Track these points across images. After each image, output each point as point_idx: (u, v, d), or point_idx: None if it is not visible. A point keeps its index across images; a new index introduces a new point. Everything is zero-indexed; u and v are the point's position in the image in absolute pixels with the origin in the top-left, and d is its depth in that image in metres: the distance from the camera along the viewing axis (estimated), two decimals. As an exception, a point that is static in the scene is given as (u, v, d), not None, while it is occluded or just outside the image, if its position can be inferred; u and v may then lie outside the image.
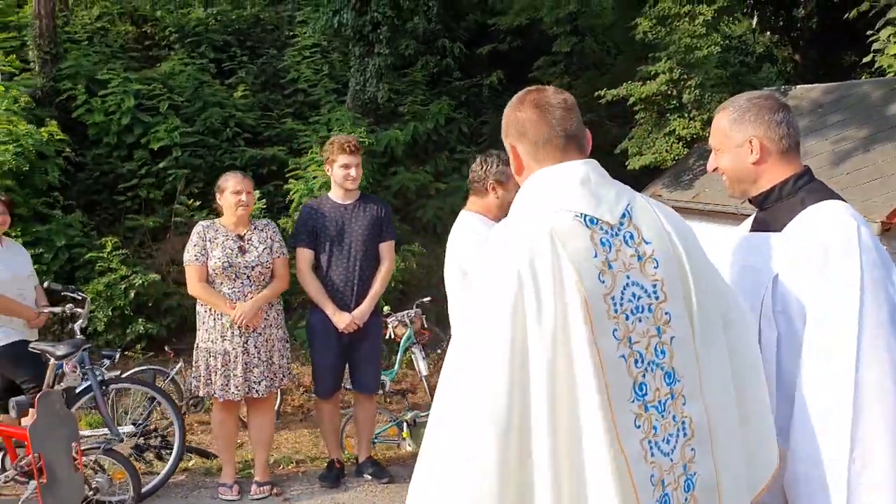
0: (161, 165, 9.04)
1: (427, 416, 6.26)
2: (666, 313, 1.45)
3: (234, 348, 3.70)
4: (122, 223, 8.66)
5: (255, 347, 3.75)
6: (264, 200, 8.51)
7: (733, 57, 11.27)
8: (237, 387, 3.70)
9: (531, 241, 1.41)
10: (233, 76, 11.22)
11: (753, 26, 13.27)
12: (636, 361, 1.41)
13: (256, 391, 3.74)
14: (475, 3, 13.88)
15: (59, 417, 3.30)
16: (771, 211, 1.85)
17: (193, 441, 5.39)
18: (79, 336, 4.10)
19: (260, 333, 3.76)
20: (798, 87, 10.54)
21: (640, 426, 1.39)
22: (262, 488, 3.93)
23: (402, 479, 4.03)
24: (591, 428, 1.33)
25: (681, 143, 9.65)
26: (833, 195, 1.81)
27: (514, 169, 1.69)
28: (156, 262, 8.26)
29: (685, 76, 9.40)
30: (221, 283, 3.71)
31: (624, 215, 1.49)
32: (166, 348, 6.44)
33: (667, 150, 9.51)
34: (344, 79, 11.50)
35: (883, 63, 5.78)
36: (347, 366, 4.08)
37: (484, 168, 3.09)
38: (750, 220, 1.97)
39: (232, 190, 3.75)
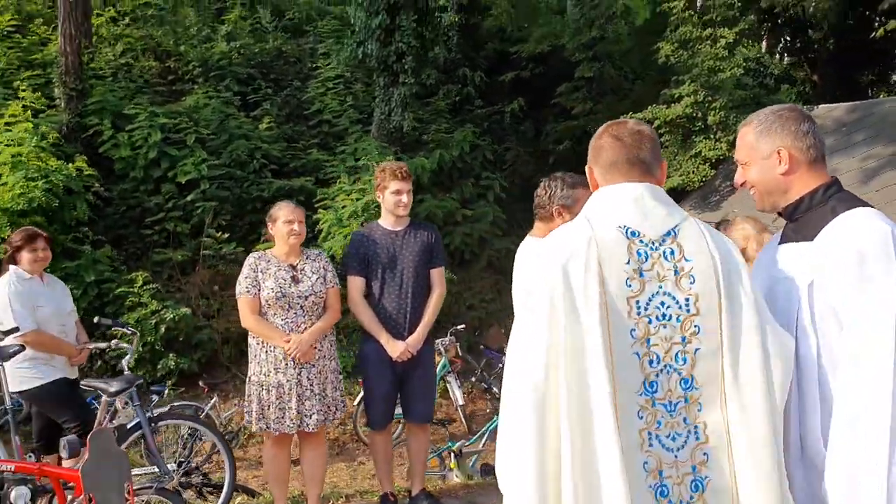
0: (188, 198, 9.10)
1: (471, 445, 6.20)
2: (695, 326, 1.61)
3: (287, 381, 3.65)
4: (150, 257, 8.68)
5: (309, 380, 3.69)
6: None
7: (752, 79, 11.26)
8: (292, 420, 3.64)
9: (573, 243, 1.65)
10: (257, 108, 11.35)
11: (766, 49, 13.30)
12: (650, 361, 1.60)
13: (308, 425, 3.68)
14: (494, 32, 14.03)
15: (112, 457, 3.23)
16: (801, 221, 1.83)
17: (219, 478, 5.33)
18: (127, 372, 4.06)
19: (314, 365, 3.70)
20: (820, 106, 10.54)
21: (642, 417, 1.59)
22: (318, 523, 3.85)
23: (455, 512, 3.96)
24: (597, 407, 1.54)
25: (707, 165, 9.64)
26: (863, 203, 1.78)
27: (591, 188, 1.88)
28: (185, 295, 8.27)
29: (709, 98, 9.41)
30: (275, 315, 3.68)
31: (669, 233, 1.66)
32: (200, 383, 6.41)
33: (693, 172, 9.49)
34: (368, 108, 11.60)
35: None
36: (400, 396, 4.02)
37: (548, 193, 3.07)
38: (778, 235, 1.95)
39: (285, 219, 3.73)
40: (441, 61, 12.32)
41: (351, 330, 7.77)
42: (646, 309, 1.61)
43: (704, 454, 1.60)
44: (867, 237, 1.66)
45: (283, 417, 3.62)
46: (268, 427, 3.66)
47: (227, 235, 8.88)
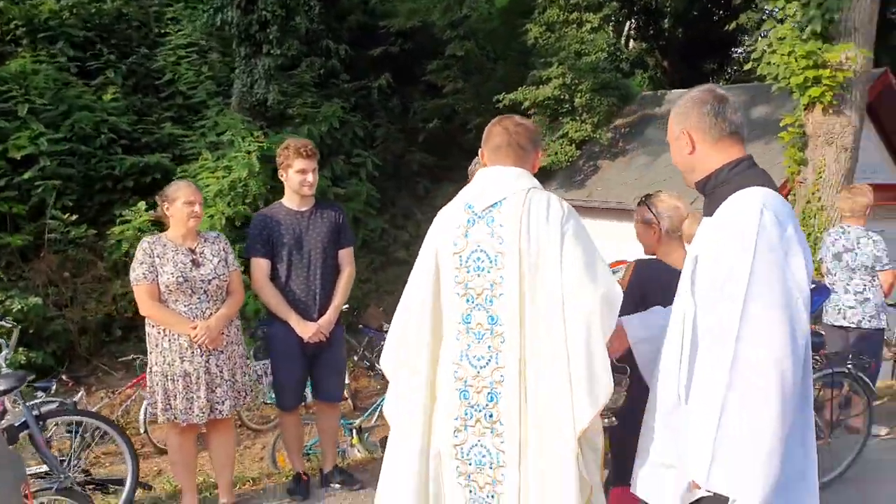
0: (25, 176, 8.30)
1: (366, 420, 6.35)
2: (500, 276, 2.13)
3: (195, 369, 3.56)
4: (-20, 243, 7.86)
5: (218, 366, 3.62)
6: (151, 213, 8.08)
7: (609, 63, 12.18)
8: (201, 409, 3.57)
9: (439, 214, 2.32)
10: (99, 76, 10.50)
11: (626, 33, 14.41)
12: (468, 300, 2.19)
13: (220, 411, 3.64)
14: (356, 4, 13.94)
15: (4, 459, 3.04)
16: (710, 197, 1.96)
17: (101, 473, 5.11)
18: (5, 369, 3.75)
19: (222, 351, 3.64)
20: (673, 91, 11.65)
21: (459, 339, 2.20)
22: (231, 510, 3.82)
23: (372, 485, 4.09)
24: (440, 326, 2.25)
25: (573, 145, 10.32)
26: (763, 182, 1.88)
27: (482, 166, 2.37)
28: (30, 283, 7.59)
29: (576, 81, 10.06)
30: (176, 301, 3.56)
31: (494, 205, 2.18)
32: (63, 377, 5.97)
33: (560, 152, 10.13)
34: (227, 80, 11.13)
35: (763, 71, 6.62)
36: (310, 376, 4.07)
37: (470, 169, 3.36)
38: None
39: (185, 200, 3.61)
40: (303, 32, 12.09)
41: (252, 312, 7.58)
42: (466, 261, 2.19)
43: (501, 376, 2.13)
44: (737, 217, 1.79)
45: (191, 407, 3.54)
46: (175, 417, 3.57)
47: (74, 217, 8.22)
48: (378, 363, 8.57)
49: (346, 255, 4.04)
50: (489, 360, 2.16)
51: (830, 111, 6.39)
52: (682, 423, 1.89)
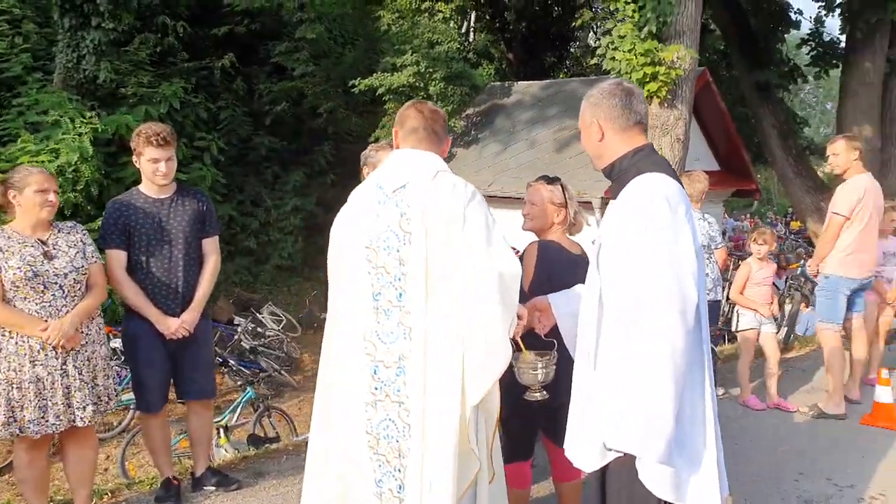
0: None
1: (226, 418, 6.06)
2: (408, 255, 2.20)
3: (49, 373, 3.19)
4: None
5: (77, 368, 3.27)
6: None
7: (457, 54, 12.47)
8: (57, 416, 3.21)
9: (352, 194, 2.40)
10: None
11: (469, 25, 14.81)
12: (378, 278, 2.25)
13: (81, 418, 3.30)
14: (193, -23, 13.11)
15: None
16: (615, 182, 2.12)
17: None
18: None
19: (80, 352, 3.31)
20: (519, 83, 12.17)
21: (369, 317, 2.26)
22: (91, 528, 3.49)
23: (249, 484, 3.93)
24: (351, 304, 2.32)
25: (428, 133, 10.47)
26: (661, 168, 2.03)
27: (395, 147, 2.43)
28: None
29: (430, 69, 10.20)
30: (25, 299, 3.17)
31: (403, 186, 2.26)
32: None
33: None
34: (47, 54, 10.02)
35: (608, 66, 7.12)
36: (173, 375, 3.81)
37: (363, 154, 3.34)
38: None
39: (37, 188, 3.21)
40: (135, 6, 11.16)
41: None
42: (377, 241, 2.26)
43: (409, 350, 2.19)
44: (632, 201, 1.96)
45: (45, 416, 3.17)
46: (21, 431, 3.19)
47: None
48: (230, 359, 8.25)
49: (210, 245, 3.81)
50: (398, 337, 2.23)
51: (665, 105, 7.03)
52: (593, 386, 2.05)
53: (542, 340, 2.50)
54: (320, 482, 2.38)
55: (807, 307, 8.68)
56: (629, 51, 6.76)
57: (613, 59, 6.97)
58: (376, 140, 10.84)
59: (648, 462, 1.88)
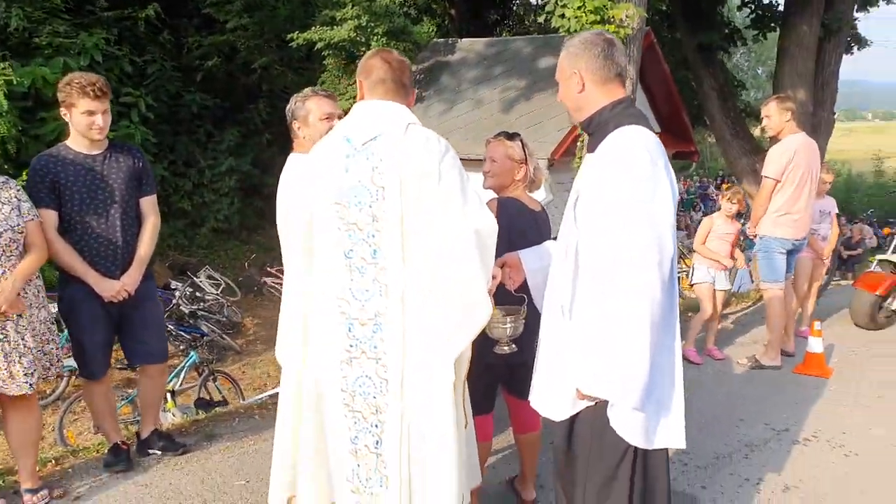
0: None
1: (171, 383, 5.98)
2: (382, 209, 2.16)
3: (-11, 339, 3.10)
4: None
5: (19, 333, 3.16)
6: None
7: (398, 8, 12.27)
8: (2, 381, 3.14)
9: (315, 147, 2.31)
10: None
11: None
12: (350, 235, 2.21)
13: (28, 384, 3.22)
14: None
15: None
16: (593, 135, 2.14)
17: None
18: None
19: (21, 316, 3.21)
20: (463, 40, 12.09)
21: (342, 274, 2.23)
22: (37, 496, 3.41)
23: (197, 448, 3.93)
24: (320, 262, 2.26)
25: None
26: (640, 121, 2.06)
27: (359, 98, 2.33)
28: None
29: (371, 24, 10.01)
30: (-44, 260, 3.06)
31: (374, 139, 2.19)
32: None
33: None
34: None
35: (556, 24, 7.16)
36: (119, 339, 3.73)
37: (290, 111, 3.09)
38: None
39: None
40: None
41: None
42: (347, 197, 2.19)
43: (385, 306, 2.18)
44: (615, 152, 1.99)
45: (-13, 383, 3.09)
46: (-40, 399, 3.09)
47: None
48: (170, 324, 8.09)
49: (149, 204, 3.70)
50: (374, 294, 2.21)
51: (613, 65, 7.12)
52: (566, 339, 2.12)
53: (511, 296, 2.57)
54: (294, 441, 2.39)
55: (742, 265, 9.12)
56: (579, 8, 6.82)
57: (563, 16, 7.02)
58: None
59: (625, 408, 1.98)
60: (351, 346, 2.24)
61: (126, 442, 3.85)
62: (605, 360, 1.95)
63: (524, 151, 3.00)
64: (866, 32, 11.80)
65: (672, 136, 11.50)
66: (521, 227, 2.82)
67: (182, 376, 6.14)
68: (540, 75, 10.20)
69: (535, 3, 16.91)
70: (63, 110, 3.46)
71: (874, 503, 3.19)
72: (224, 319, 9.24)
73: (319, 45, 10.15)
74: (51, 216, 3.40)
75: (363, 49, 10.15)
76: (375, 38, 10.05)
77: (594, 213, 2.02)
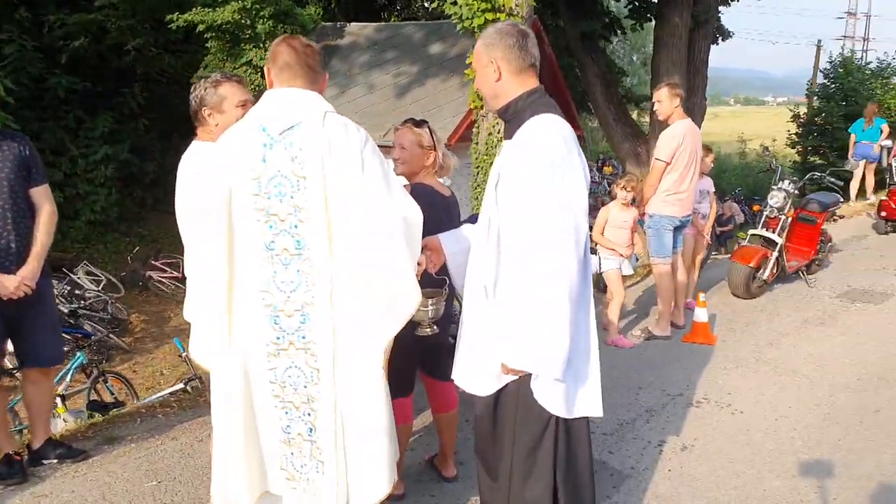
0: None
1: (64, 385, 5.61)
2: (305, 199, 2.15)
3: None
4: None
5: None
6: None
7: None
8: None
9: (228, 139, 2.22)
10: None
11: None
12: (270, 227, 2.17)
13: None
14: None
15: None
16: (510, 123, 2.23)
17: None
18: None
19: None
20: (352, 24, 11.97)
21: (264, 267, 2.19)
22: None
23: (98, 452, 3.74)
24: (239, 255, 2.21)
25: (259, 74, 10.06)
26: (554, 110, 2.18)
27: (268, 86, 2.32)
28: None
29: (257, 6, 9.72)
30: None
31: (292, 128, 2.15)
32: None
33: (246, 80, 9.80)
34: None
35: (448, 11, 7.26)
36: (12, 340, 3.49)
37: (197, 97, 2.96)
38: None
39: None
40: None
41: None
42: (266, 187, 2.15)
43: (312, 297, 2.18)
44: (531, 140, 2.10)
45: None
46: None
47: None
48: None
49: (42, 193, 3.49)
50: (299, 285, 2.19)
51: (505, 52, 7.32)
52: (488, 316, 2.22)
53: (432, 279, 2.64)
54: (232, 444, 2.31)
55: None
56: (470, -4, 6.95)
57: (455, 3, 7.13)
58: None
59: (547, 380, 2.11)
60: (278, 338, 2.23)
61: (18, 453, 3.62)
62: (530, 336, 2.07)
63: (432, 138, 3.07)
64: (728, 24, 12.79)
65: (559, 122, 11.91)
66: (433, 213, 2.89)
67: (69, 379, 5.79)
68: (432, 61, 10.30)
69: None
70: None
71: (757, 454, 3.55)
72: (108, 317, 8.74)
73: (201, 27, 9.72)
74: None
75: (248, 32, 9.86)
76: (261, 20, 9.77)
77: (514, 198, 2.12)
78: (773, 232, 6.35)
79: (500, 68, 2.20)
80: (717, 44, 12.63)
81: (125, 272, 10.72)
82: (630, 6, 11.41)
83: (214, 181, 2.19)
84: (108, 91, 12.60)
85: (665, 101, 5.04)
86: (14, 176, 3.35)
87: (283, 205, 2.15)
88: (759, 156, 21.02)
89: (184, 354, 6.54)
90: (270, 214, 2.16)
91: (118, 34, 11.98)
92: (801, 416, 3.96)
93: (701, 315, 5.26)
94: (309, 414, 2.26)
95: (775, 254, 6.32)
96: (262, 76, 10.61)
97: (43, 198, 3.50)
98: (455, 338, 2.63)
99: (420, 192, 3.00)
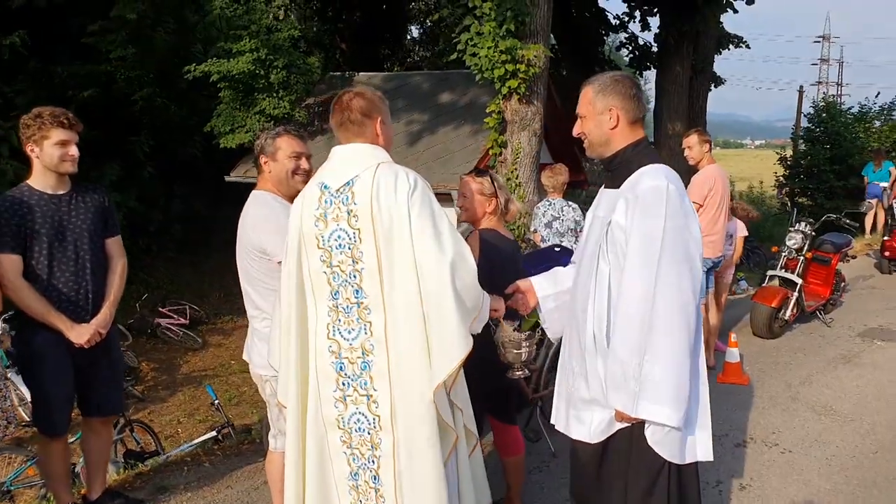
0: None
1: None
2: (360, 251, 2.28)
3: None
4: None
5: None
6: None
7: (288, 42, 12.23)
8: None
9: (298, 197, 2.45)
10: None
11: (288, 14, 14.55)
12: (334, 277, 2.33)
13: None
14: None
15: None
16: (615, 171, 2.28)
17: None
18: None
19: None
20: (360, 74, 12.24)
21: (331, 316, 2.35)
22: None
23: (152, 499, 3.73)
24: (309, 307, 2.41)
25: (272, 122, 10.23)
26: (658, 160, 2.24)
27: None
28: None
29: (271, 57, 9.95)
30: None
31: (348, 183, 2.30)
32: None
33: (260, 129, 9.97)
34: None
35: (469, 62, 7.48)
36: (78, 389, 3.50)
37: (258, 147, 3.07)
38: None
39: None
40: None
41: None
42: (328, 241, 2.31)
43: (371, 344, 2.29)
44: (648, 188, 2.14)
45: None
46: None
47: None
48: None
49: (115, 245, 3.56)
50: (359, 332, 2.32)
51: (524, 101, 7.57)
52: (600, 364, 2.26)
53: (510, 315, 2.69)
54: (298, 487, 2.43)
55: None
56: (490, 48, 7.19)
57: (475, 55, 7.36)
58: (211, 130, 10.39)
59: (671, 427, 2.14)
60: (343, 384, 2.35)
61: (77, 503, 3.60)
62: (647, 385, 2.10)
63: (493, 185, 3.21)
64: (740, 76, 13.19)
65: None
66: (501, 257, 3.00)
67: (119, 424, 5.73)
68: (441, 110, 10.54)
69: (419, 38, 17.44)
70: (30, 147, 3.27)
71: (815, 494, 3.60)
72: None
73: (215, 76, 9.92)
74: (15, 262, 3.19)
75: (262, 81, 10.05)
76: (275, 71, 9.98)
77: (630, 245, 2.16)
78: (793, 273, 6.51)
79: (619, 117, 2.25)
80: (710, 90, 13.08)
81: (132, 319, 10.66)
82: (630, 55, 11.81)
83: (290, 241, 2.39)
84: (115, 140, 12.69)
85: (695, 146, 5.25)
86: (94, 227, 3.41)
87: (343, 256, 2.30)
88: (755, 197, 21.50)
89: (216, 402, 6.50)
90: (334, 266, 2.33)
91: (126, 85, 12.14)
92: (849, 454, 4.03)
93: (733, 355, 5.36)
94: (372, 461, 2.35)
95: (796, 294, 6.47)
96: (275, 124, 10.82)
97: (116, 248, 3.57)
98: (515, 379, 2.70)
99: (487, 237, 3.13)
